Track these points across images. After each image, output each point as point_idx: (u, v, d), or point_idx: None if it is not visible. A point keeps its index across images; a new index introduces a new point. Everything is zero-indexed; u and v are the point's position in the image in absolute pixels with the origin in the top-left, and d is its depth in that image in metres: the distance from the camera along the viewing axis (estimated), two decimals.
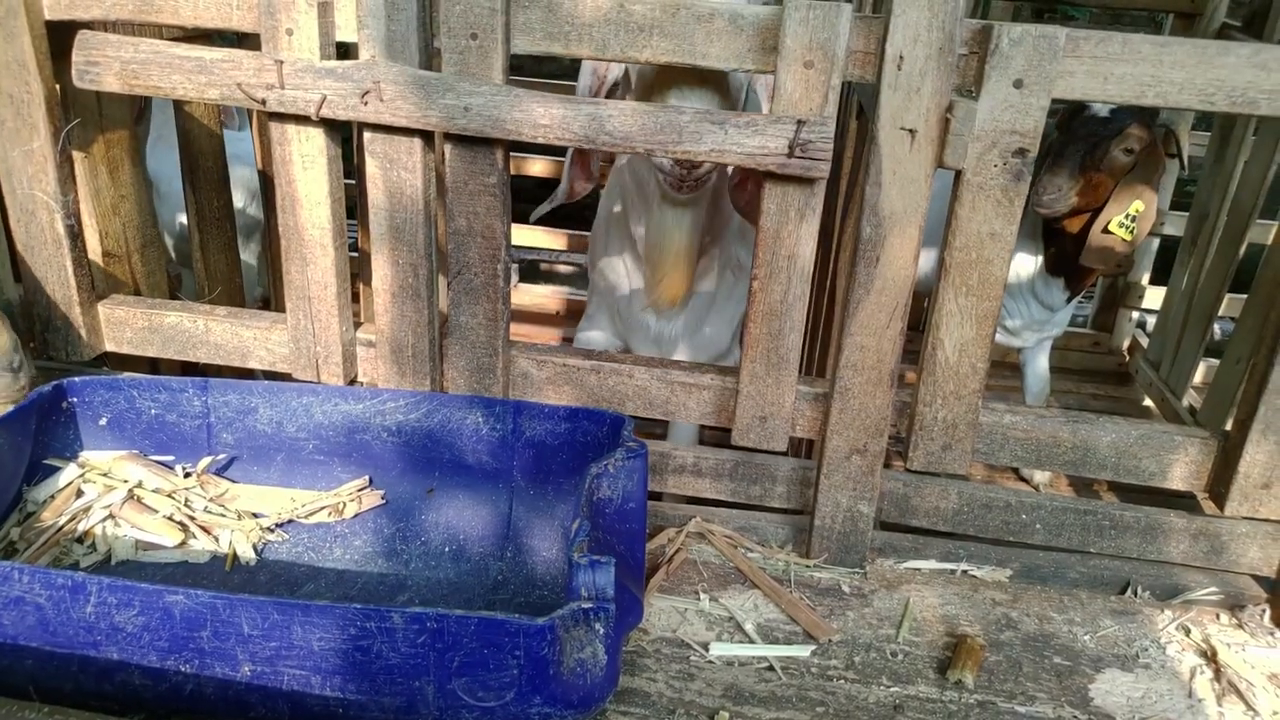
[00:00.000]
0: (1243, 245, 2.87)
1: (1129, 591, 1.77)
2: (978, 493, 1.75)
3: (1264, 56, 1.42)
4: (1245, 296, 2.81)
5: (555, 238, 4.04)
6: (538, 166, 3.88)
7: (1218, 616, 1.71)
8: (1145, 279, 3.71)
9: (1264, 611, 1.71)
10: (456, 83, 1.51)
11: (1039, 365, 3.03)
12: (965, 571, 1.79)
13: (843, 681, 1.51)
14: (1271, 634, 1.67)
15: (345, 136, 1.71)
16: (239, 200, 2.85)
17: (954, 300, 1.57)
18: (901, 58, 1.44)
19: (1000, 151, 1.47)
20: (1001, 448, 1.69)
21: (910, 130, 1.48)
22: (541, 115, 1.50)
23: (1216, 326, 3.13)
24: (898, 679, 1.52)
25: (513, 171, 3.83)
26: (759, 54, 1.50)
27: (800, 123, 1.47)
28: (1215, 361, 2.92)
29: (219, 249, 2.33)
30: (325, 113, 1.55)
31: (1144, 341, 3.61)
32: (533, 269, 4.82)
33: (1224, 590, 1.75)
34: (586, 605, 1.22)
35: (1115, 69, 1.45)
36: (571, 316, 4.04)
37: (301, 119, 1.59)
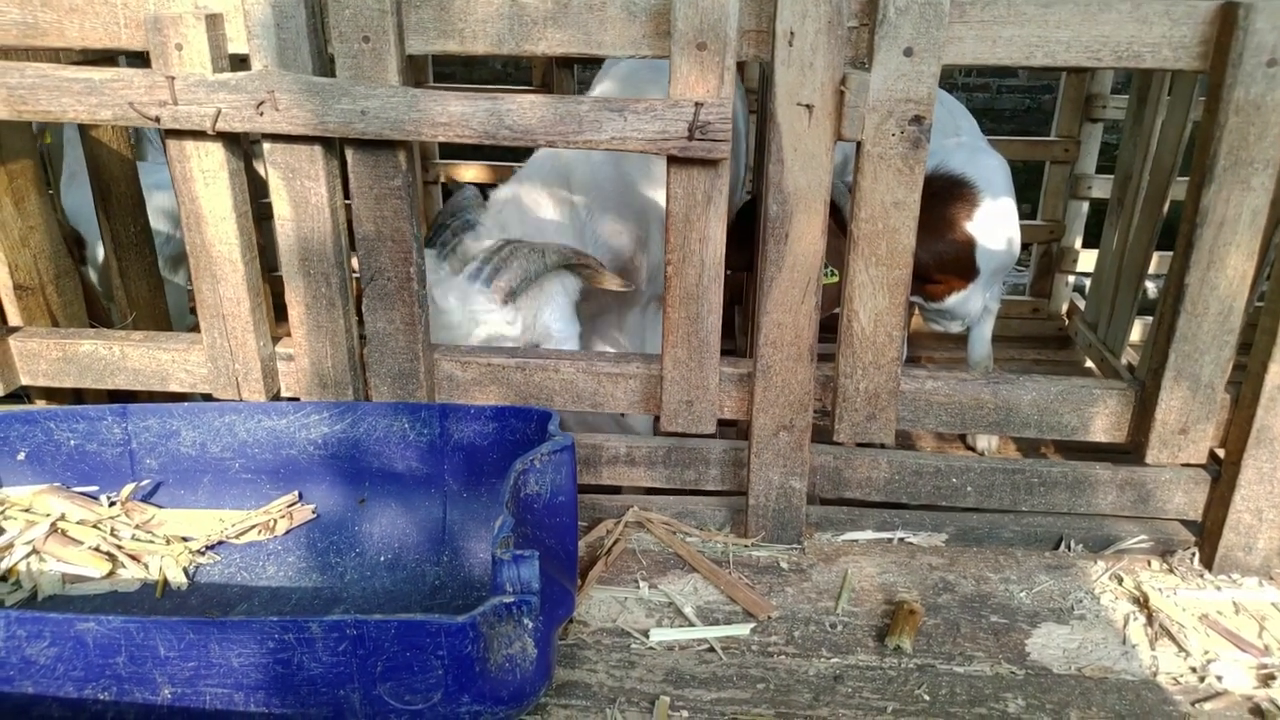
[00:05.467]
0: (1165, 203, 2.92)
1: (1062, 546, 1.79)
2: (908, 460, 1.77)
3: (1144, 11, 1.44)
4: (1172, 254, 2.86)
5: None
6: (470, 173, 3.85)
7: (1149, 563, 1.74)
8: (1078, 243, 3.77)
9: (1193, 555, 1.74)
10: (351, 87, 1.50)
11: (981, 332, 3.07)
12: (902, 539, 1.81)
13: (783, 657, 1.51)
14: (1201, 576, 1.70)
15: None
16: (167, 226, 2.80)
17: (865, 271, 1.58)
18: (792, 34, 1.45)
19: (897, 120, 1.49)
20: (926, 413, 1.70)
21: (807, 106, 1.49)
22: (440, 114, 1.49)
23: (1149, 284, 3.17)
24: (837, 650, 1.53)
25: (445, 178, 3.82)
26: (654, 39, 1.50)
27: (698, 105, 1.47)
28: (1150, 319, 2.96)
29: (139, 275, 2.29)
30: (221, 126, 1.53)
31: (1081, 304, 3.66)
32: None
33: (1154, 537, 1.78)
34: (509, 600, 1.21)
35: (1003, 32, 1.47)
36: None
37: (198, 134, 1.57)
